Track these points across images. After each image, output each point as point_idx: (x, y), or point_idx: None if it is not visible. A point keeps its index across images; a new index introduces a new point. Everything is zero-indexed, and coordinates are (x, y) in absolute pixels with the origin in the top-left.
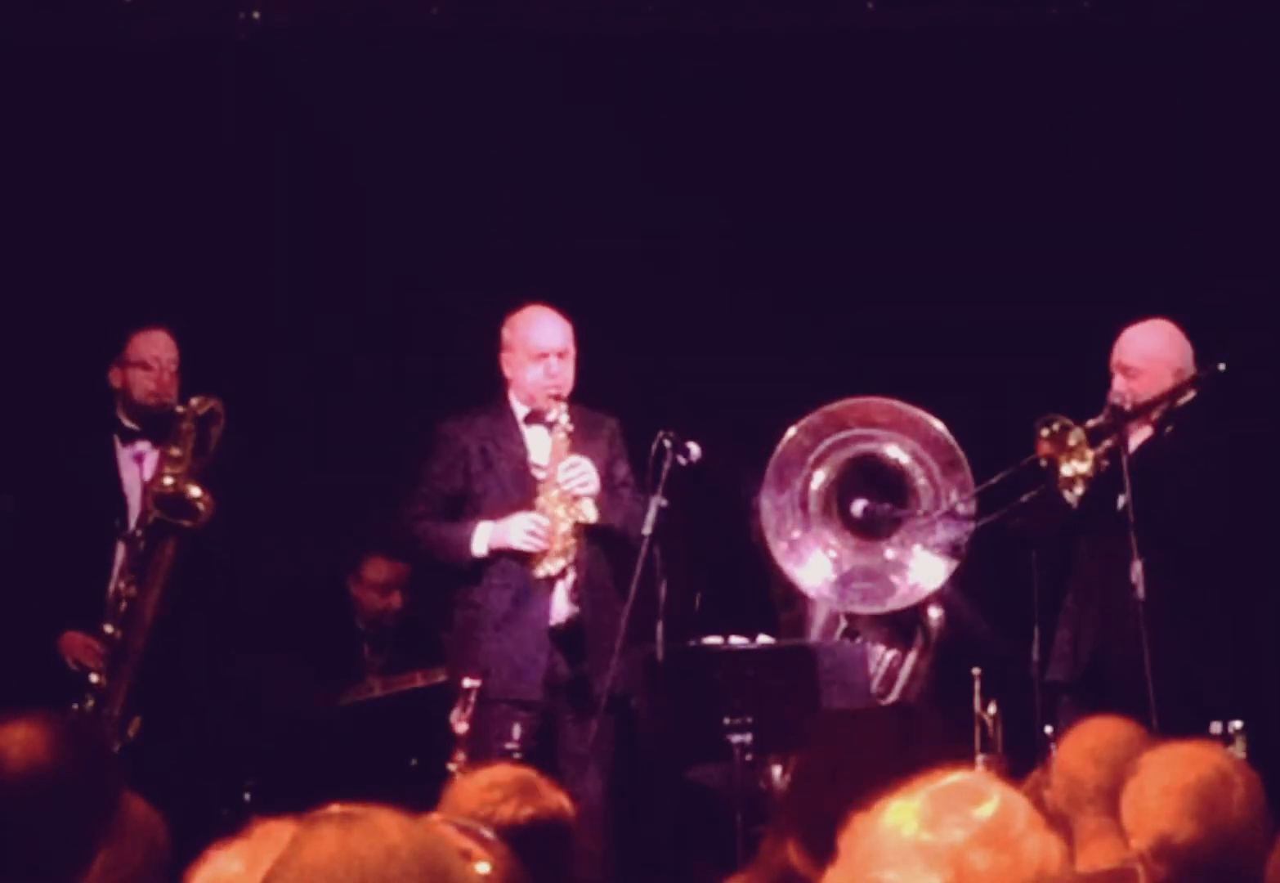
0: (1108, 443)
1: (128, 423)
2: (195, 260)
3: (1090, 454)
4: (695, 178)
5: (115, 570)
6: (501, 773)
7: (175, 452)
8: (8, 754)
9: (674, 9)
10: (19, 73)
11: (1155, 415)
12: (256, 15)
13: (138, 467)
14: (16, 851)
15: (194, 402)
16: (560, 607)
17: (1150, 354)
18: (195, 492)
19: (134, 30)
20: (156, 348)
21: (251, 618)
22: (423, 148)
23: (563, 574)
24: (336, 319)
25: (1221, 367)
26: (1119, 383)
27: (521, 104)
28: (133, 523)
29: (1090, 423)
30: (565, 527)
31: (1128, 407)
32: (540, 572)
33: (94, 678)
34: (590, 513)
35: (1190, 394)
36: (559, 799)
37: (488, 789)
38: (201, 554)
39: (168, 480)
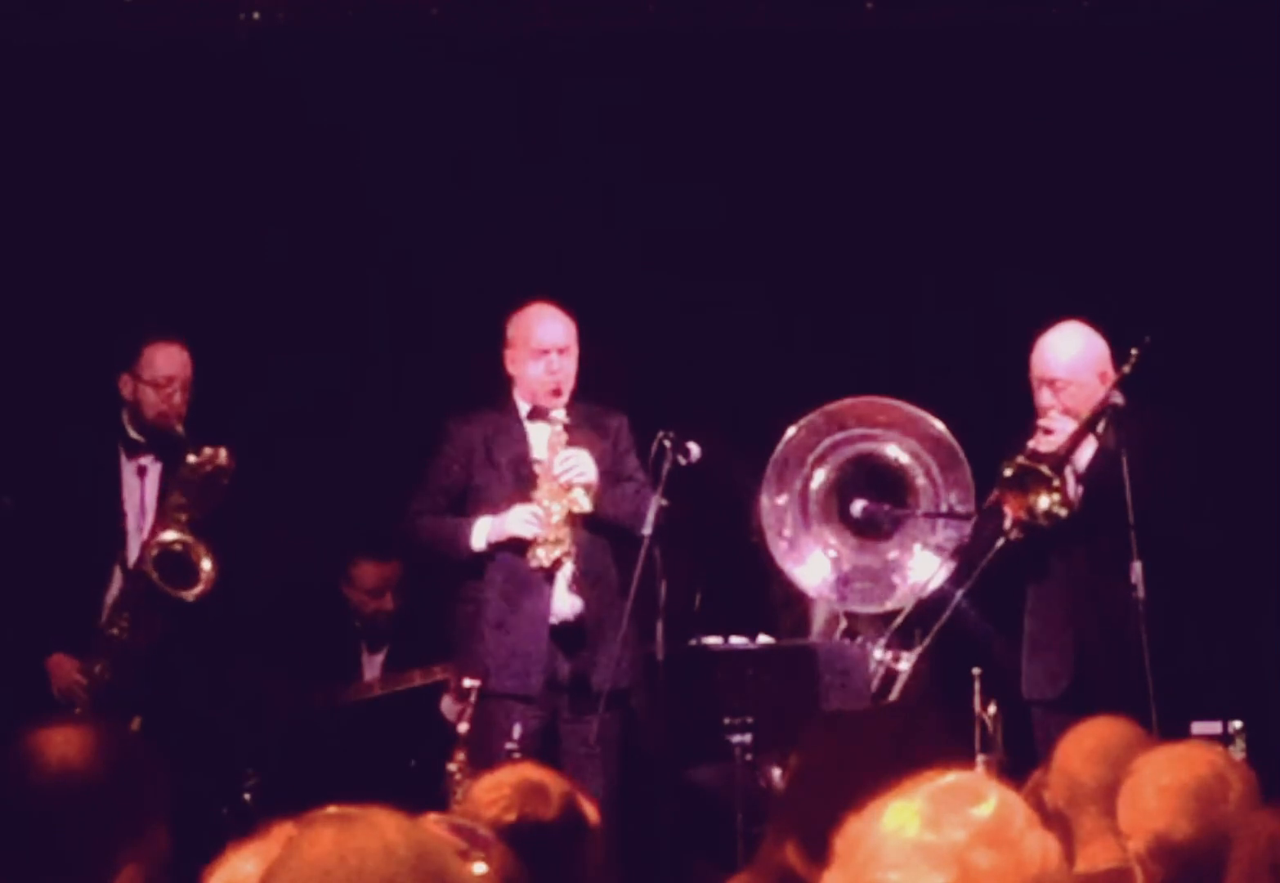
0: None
1: (133, 434)
2: (193, 260)
3: (1055, 482)
4: (696, 178)
5: (110, 586)
6: (515, 774)
7: (179, 500)
8: (44, 755)
9: (674, 9)
10: (17, 72)
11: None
12: (256, 15)
13: (139, 481)
14: (38, 852)
15: (206, 453)
16: (561, 600)
17: (1072, 364)
18: (206, 564)
19: (134, 30)
20: (171, 367)
21: (250, 620)
22: (423, 147)
23: (558, 565)
24: (335, 321)
25: (1127, 368)
26: (1046, 397)
27: (522, 103)
28: (129, 538)
29: (1033, 445)
30: (559, 517)
31: (1056, 420)
32: (535, 561)
33: (76, 712)
34: (585, 503)
35: (1117, 398)
36: (574, 802)
37: (500, 789)
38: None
39: (172, 535)
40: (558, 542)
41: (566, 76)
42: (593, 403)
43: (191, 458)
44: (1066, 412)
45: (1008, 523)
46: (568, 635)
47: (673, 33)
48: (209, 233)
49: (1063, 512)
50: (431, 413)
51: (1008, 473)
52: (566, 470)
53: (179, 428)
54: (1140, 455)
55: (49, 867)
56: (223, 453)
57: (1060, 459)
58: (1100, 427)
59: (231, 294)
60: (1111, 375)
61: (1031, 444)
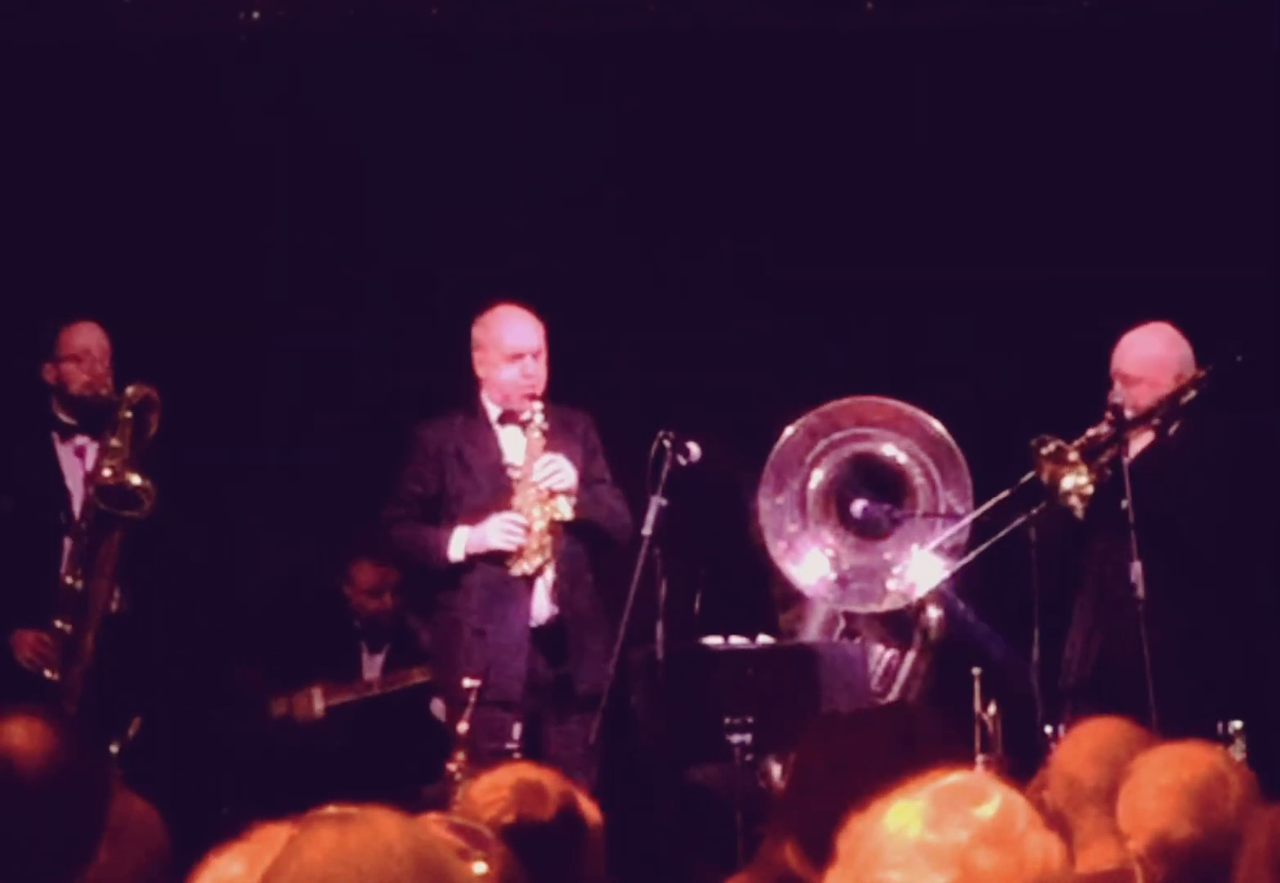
0: (1110, 451)
1: (65, 418)
2: (192, 260)
3: (1086, 468)
4: (696, 178)
5: (64, 565)
6: (512, 775)
7: (114, 442)
8: (20, 751)
9: (673, 9)
10: (17, 72)
11: (1157, 420)
12: (256, 15)
13: (79, 460)
14: (29, 847)
15: (129, 390)
16: (540, 607)
17: (1148, 361)
18: (136, 480)
19: (134, 30)
20: (86, 340)
21: (250, 620)
22: (421, 147)
23: (540, 573)
24: (331, 321)
25: (1213, 367)
26: (1119, 390)
27: (521, 103)
28: (78, 516)
29: (1090, 432)
30: (541, 525)
31: (1129, 413)
32: (517, 570)
33: (47, 674)
34: (566, 510)
35: (1191, 394)
36: (572, 802)
37: (498, 790)
38: (188, 555)
39: (107, 472)
40: (540, 549)
41: (566, 77)
42: (556, 403)
43: (116, 396)
44: (1134, 409)
45: (1069, 486)
46: (548, 640)
47: (673, 33)
48: (206, 232)
49: (1081, 495)
50: (432, 412)
51: (1045, 451)
52: (548, 477)
53: (103, 392)
54: (1191, 459)
55: (41, 860)
56: (147, 389)
57: (1099, 445)
58: (1162, 422)
59: (231, 293)
60: (1187, 383)
61: (1092, 432)
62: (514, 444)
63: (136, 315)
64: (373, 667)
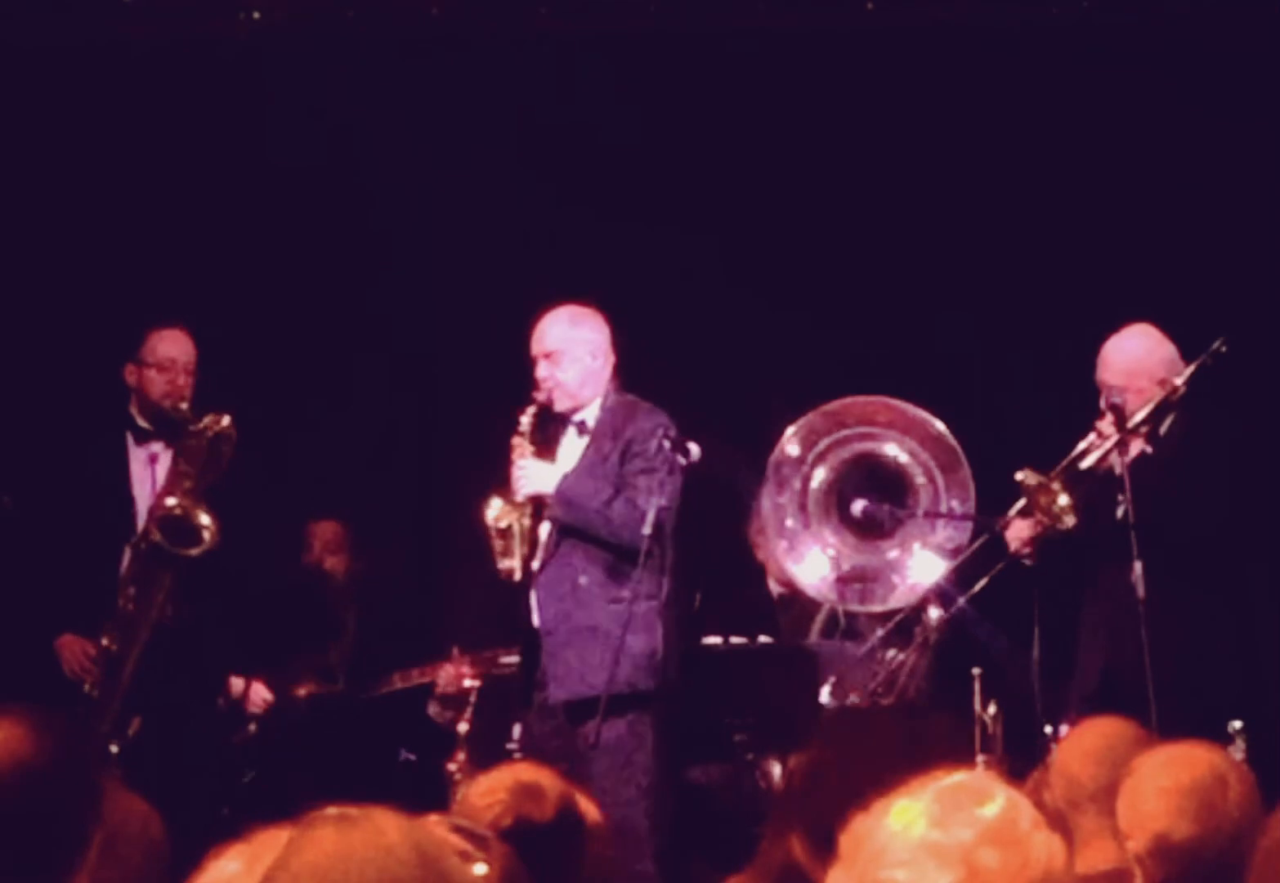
0: (1102, 463)
1: (142, 422)
2: (191, 260)
3: (1069, 495)
4: (696, 179)
5: (122, 572)
6: (510, 776)
7: (184, 469)
8: None
9: (674, 9)
10: (18, 72)
11: (1145, 428)
12: (256, 15)
13: (151, 467)
14: (11, 848)
15: (206, 419)
16: (535, 612)
17: (1129, 369)
18: (204, 519)
19: (134, 30)
20: (173, 349)
21: (250, 620)
22: (423, 147)
23: (509, 574)
24: (327, 319)
25: (1198, 363)
26: (1104, 401)
27: (522, 104)
28: (140, 525)
29: (1080, 446)
30: (503, 526)
31: (1129, 423)
32: (501, 569)
33: (86, 689)
34: (511, 519)
35: (1181, 391)
36: (570, 802)
37: (495, 793)
38: (212, 566)
39: (171, 501)
40: (507, 553)
41: (567, 76)
42: (638, 397)
43: (193, 425)
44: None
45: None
46: (544, 642)
47: (673, 33)
48: (206, 231)
49: (1070, 519)
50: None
51: (1031, 482)
52: (515, 482)
53: (183, 406)
54: (1187, 459)
55: (27, 861)
56: (225, 419)
57: (1081, 472)
58: (1155, 423)
59: (227, 291)
60: (1174, 381)
61: (1082, 445)
62: (568, 444)
63: (138, 308)
64: (339, 663)
